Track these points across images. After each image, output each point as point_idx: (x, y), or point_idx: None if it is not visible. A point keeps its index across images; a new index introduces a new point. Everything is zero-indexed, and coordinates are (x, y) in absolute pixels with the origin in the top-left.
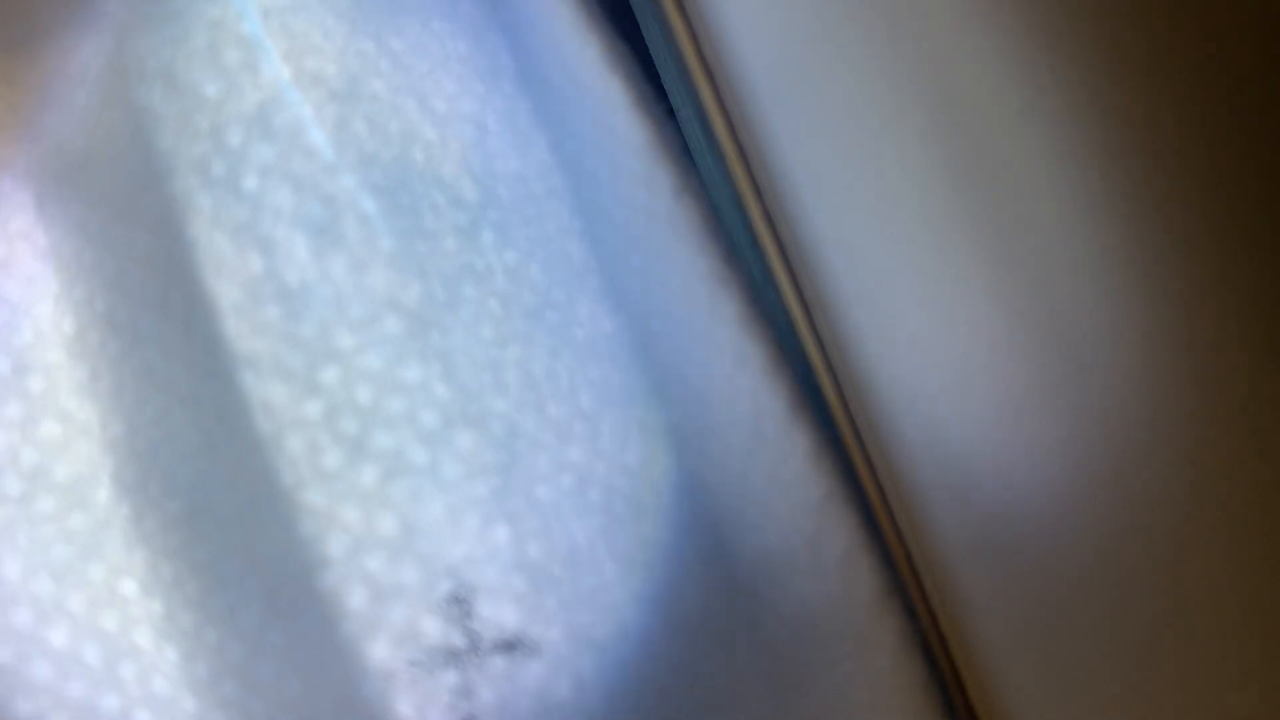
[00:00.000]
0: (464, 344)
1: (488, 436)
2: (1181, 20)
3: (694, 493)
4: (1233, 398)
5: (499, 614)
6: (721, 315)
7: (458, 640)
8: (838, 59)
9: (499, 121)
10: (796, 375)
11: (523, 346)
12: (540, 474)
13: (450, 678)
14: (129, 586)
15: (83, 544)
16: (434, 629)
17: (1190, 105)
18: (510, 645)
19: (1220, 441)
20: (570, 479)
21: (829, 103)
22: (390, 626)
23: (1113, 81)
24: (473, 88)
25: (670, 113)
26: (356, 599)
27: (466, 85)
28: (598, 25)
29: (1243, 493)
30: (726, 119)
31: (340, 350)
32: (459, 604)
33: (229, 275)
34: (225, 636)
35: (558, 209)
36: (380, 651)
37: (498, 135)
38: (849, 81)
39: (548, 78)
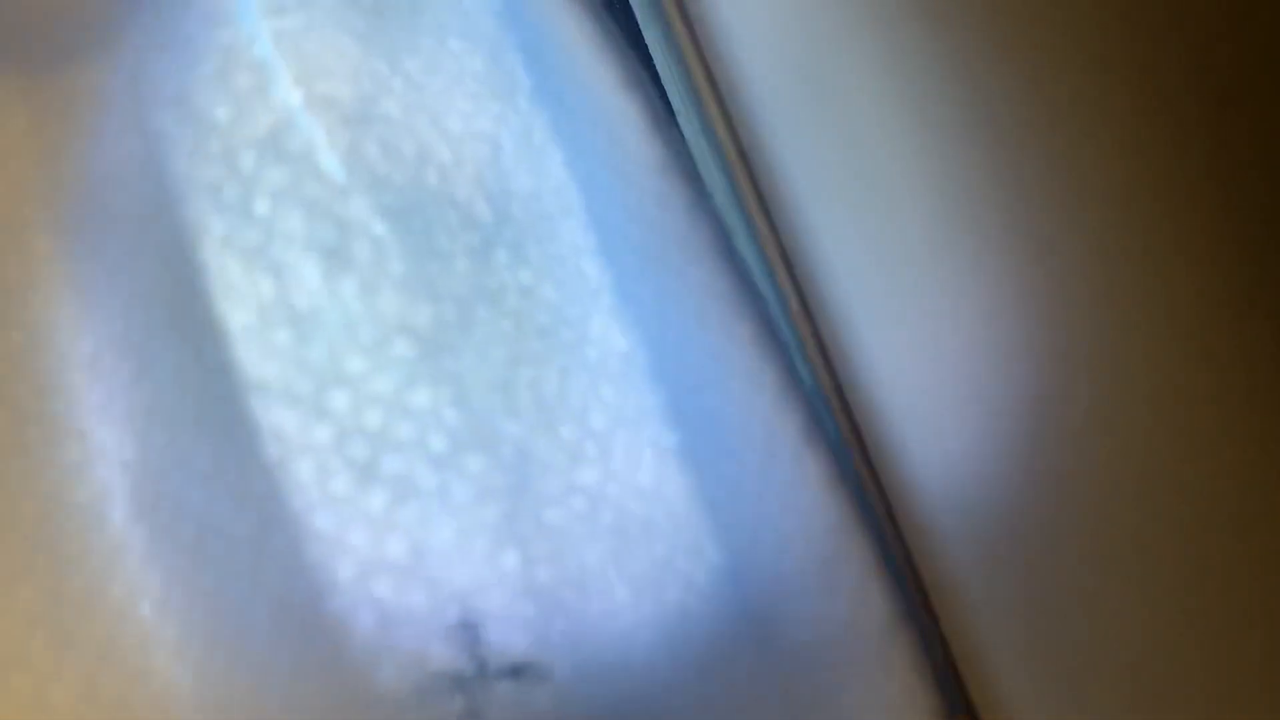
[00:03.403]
0: (475, 366)
1: (497, 460)
2: (1176, 30)
3: (707, 514)
4: (1234, 402)
5: (507, 639)
6: (735, 336)
7: (465, 666)
8: (843, 73)
9: (514, 139)
10: (808, 397)
11: (535, 367)
12: (551, 497)
13: (458, 703)
14: (145, 608)
15: (101, 566)
16: (442, 654)
17: (1193, 118)
18: (518, 671)
19: (1228, 447)
20: (582, 501)
21: (832, 118)
22: (397, 652)
23: (1113, 89)
24: (488, 106)
25: (680, 135)
26: (364, 624)
27: (481, 104)
28: (613, 44)
29: (1250, 495)
30: (734, 137)
31: (350, 375)
32: (467, 629)
33: (239, 299)
34: (234, 662)
35: (572, 226)
36: (387, 677)
37: (512, 153)
38: (853, 97)
39: (563, 94)
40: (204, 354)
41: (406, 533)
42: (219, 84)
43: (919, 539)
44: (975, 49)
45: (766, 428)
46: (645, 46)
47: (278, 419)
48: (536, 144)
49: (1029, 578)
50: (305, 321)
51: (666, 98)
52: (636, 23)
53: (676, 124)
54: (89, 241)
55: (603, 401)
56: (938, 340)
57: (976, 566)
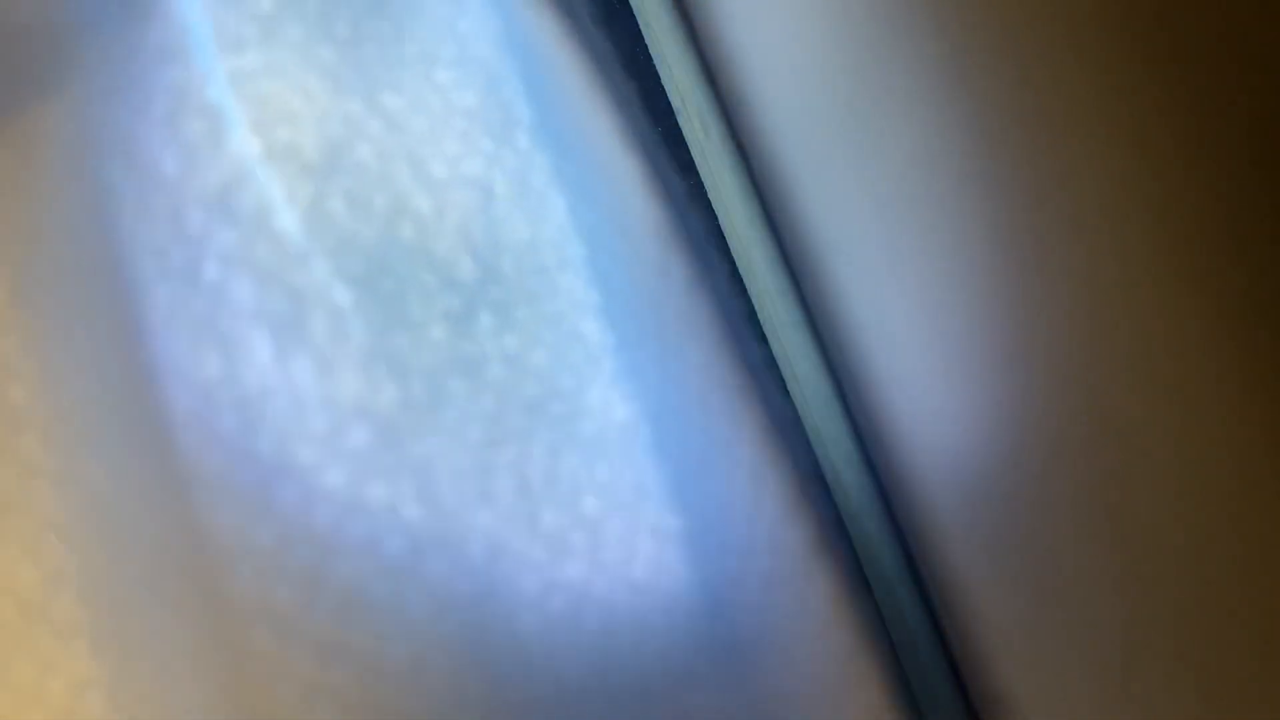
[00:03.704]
0: (445, 451)
1: (463, 563)
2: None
3: (708, 613)
4: (1229, 388)
5: None
6: (740, 431)
7: None
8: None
9: (509, 183)
10: (822, 508)
11: (518, 446)
12: (525, 600)
13: None
14: (95, 704)
15: (45, 657)
16: None
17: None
18: None
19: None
20: (561, 601)
21: (842, 110)
22: None
23: (1112, 90)
24: (479, 145)
25: (697, 188)
26: None
27: (472, 143)
28: (608, 83)
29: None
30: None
31: (298, 468)
32: None
33: (184, 379)
34: None
35: (571, 282)
36: None
37: (506, 200)
38: (862, 92)
39: (566, 135)
40: (147, 439)
41: (355, 658)
42: (167, 131)
43: (920, 532)
44: (978, 47)
45: (772, 538)
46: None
47: (217, 518)
48: (536, 188)
49: (1023, 556)
50: (252, 406)
51: (671, 112)
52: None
53: (678, 167)
54: (41, 295)
55: (597, 483)
56: (937, 321)
57: (974, 551)
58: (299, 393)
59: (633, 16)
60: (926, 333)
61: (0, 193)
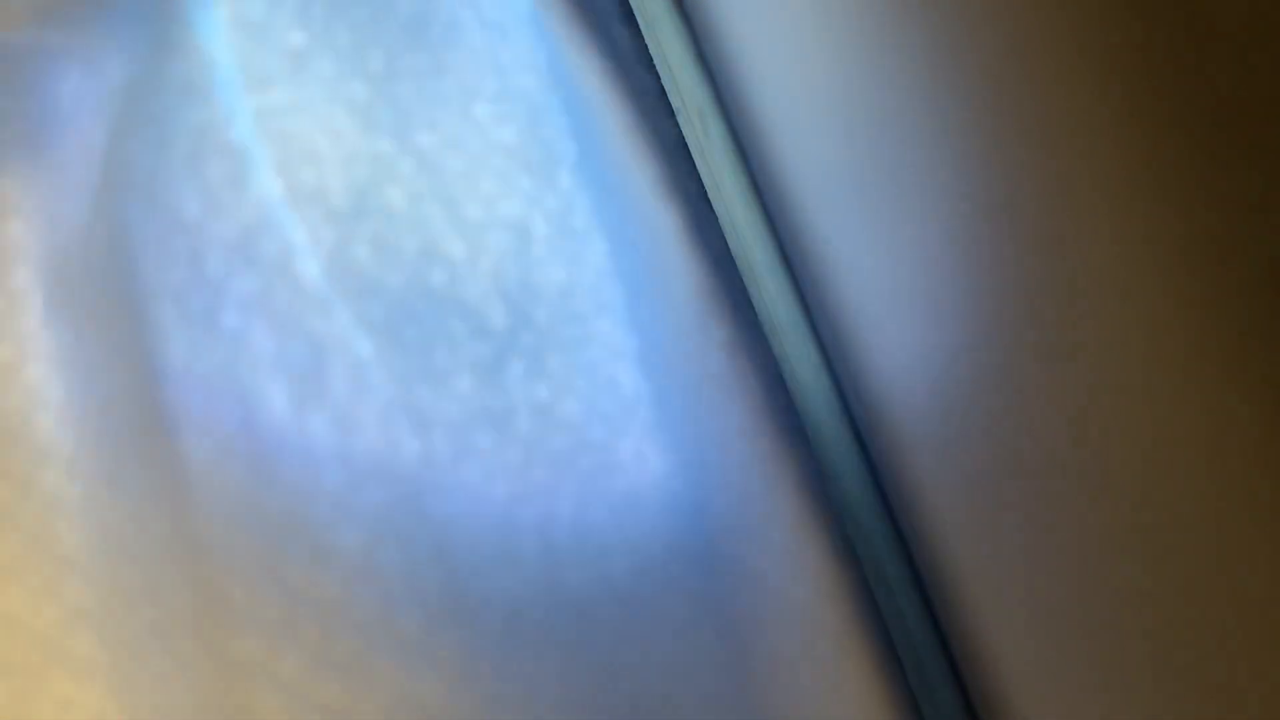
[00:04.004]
0: (467, 511)
1: (479, 636)
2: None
3: (740, 689)
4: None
5: None
6: (776, 509)
7: None
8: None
9: (548, 223)
10: (859, 583)
11: (544, 503)
12: (548, 673)
13: None
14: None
15: (64, 697)
16: None
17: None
18: None
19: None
20: (586, 679)
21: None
22: None
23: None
24: (518, 185)
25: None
26: None
27: (510, 182)
28: (652, 125)
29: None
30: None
31: (310, 530)
32: None
33: (197, 428)
34: None
35: (608, 329)
36: None
37: (544, 241)
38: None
39: (608, 174)
40: (162, 487)
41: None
42: (190, 172)
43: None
44: (974, 42)
45: (810, 611)
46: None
47: (227, 583)
48: (577, 228)
49: (981, 477)
50: (266, 463)
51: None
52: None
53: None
54: (67, 327)
55: (628, 544)
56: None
57: (937, 468)
58: (315, 445)
59: None
60: (931, 337)
61: (31, 216)
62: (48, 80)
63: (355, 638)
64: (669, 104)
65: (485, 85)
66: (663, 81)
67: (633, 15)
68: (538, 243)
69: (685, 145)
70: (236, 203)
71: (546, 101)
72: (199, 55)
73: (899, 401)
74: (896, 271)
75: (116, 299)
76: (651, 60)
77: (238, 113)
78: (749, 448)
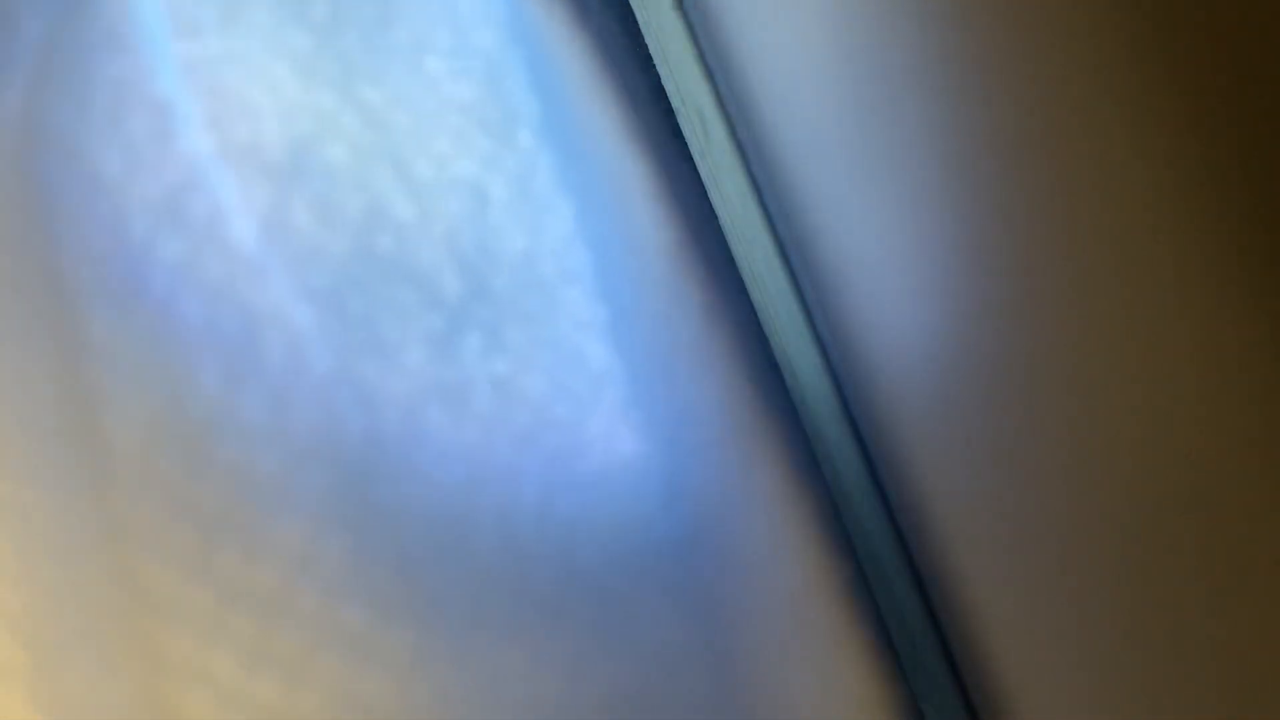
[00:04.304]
0: (418, 496)
1: (434, 633)
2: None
3: (726, 684)
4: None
5: None
6: (760, 470)
7: None
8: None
9: (508, 186)
10: (847, 557)
11: (505, 486)
12: (511, 671)
13: None
14: None
15: None
16: None
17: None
18: None
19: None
20: (555, 678)
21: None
22: None
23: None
24: (474, 144)
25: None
26: None
27: (466, 142)
28: (622, 79)
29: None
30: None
31: (245, 517)
32: None
33: (124, 409)
34: None
35: (574, 298)
36: None
37: (503, 205)
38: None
39: (574, 135)
40: (84, 477)
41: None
42: (111, 128)
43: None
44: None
45: (798, 597)
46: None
47: (157, 577)
48: (539, 191)
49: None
50: (198, 442)
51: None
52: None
53: (697, 178)
54: None
55: (593, 530)
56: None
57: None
58: (250, 425)
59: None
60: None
61: None
62: None
63: (295, 633)
64: (638, 53)
65: (438, 38)
66: (663, 82)
67: None
68: (496, 206)
69: (658, 95)
70: (161, 160)
71: (506, 57)
72: (121, 3)
73: (897, 386)
74: (896, 256)
75: (33, 269)
76: (621, 10)
77: (163, 64)
78: (728, 420)
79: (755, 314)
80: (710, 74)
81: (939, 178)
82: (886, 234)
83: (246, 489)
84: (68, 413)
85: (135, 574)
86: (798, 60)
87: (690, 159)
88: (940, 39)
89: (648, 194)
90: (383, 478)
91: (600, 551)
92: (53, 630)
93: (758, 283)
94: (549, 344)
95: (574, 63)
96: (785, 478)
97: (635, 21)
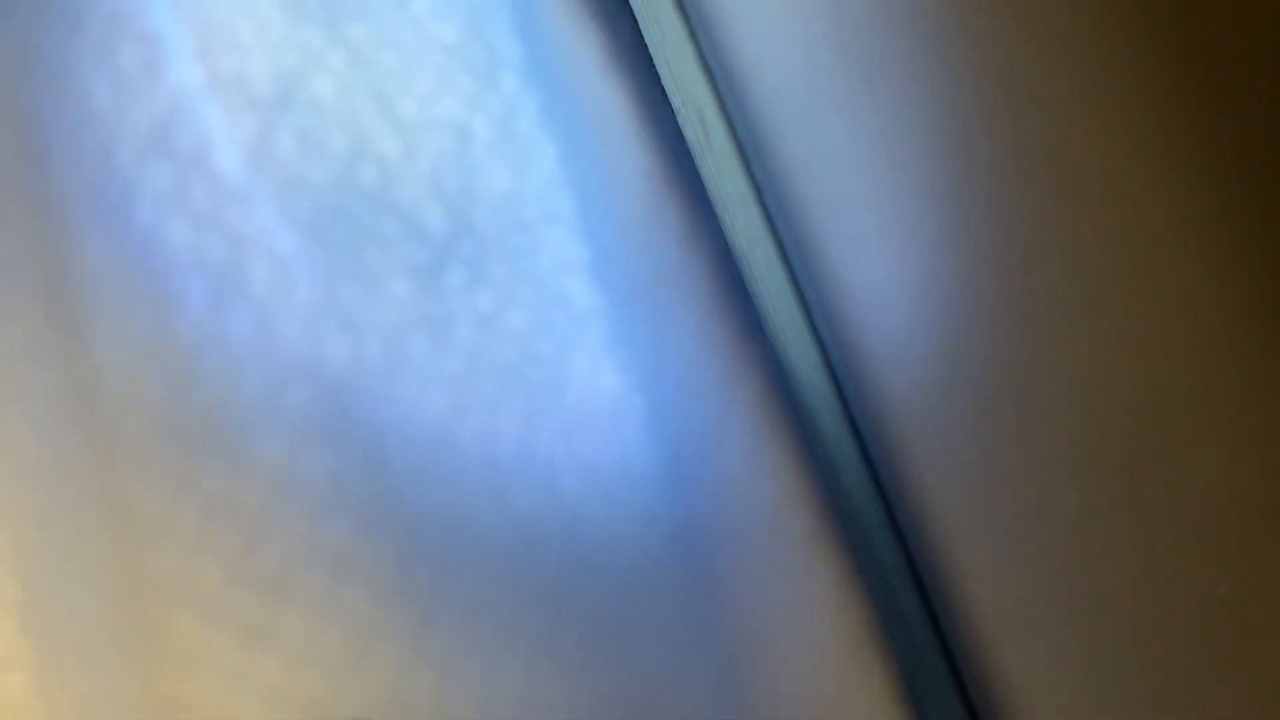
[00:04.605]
0: (399, 420)
1: (416, 551)
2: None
3: (705, 613)
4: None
5: None
6: (738, 399)
7: None
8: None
9: (491, 127)
10: (826, 485)
11: (488, 417)
12: (492, 597)
13: None
14: (17, 681)
15: None
16: None
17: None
18: None
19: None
20: (534, 606)
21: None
22: None
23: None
24: (457, 85)
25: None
26: None
27: (449, 82)
28: (605, 20)
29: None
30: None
31: (229, 435)
32: None
33: (111, 332)
34: None
35: (558, 238)
36: None
37: (486, 145)
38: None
39: (556, 76)
40: (71, 400)
41: (286, 647)
42: (101, 59)
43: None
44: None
45: (774, 521)
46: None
47: (142, 495)
48: (522, 133)
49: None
50: (183, 365)
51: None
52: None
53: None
54: None
55: (578, 461)
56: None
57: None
58: (234, 350)
59: None
60: (929, 344)
61: None
62: None
63: (277, 549)
64: (640, 53)
65: None
66: (662, 81)
67: None
68: (479, 146)
69: (636, 32)
70: (151, 91)
71: (490, 3)
72: None
73: (897, 385)
74: (896, 254)
75: (23, 199)
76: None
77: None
78: (706, 347)
79: (730, 245)
80: (710, 74)
81: (938, 177)
82: (886, 234)
83: (231, 408)
84: (56, 337)
85: (122, 492)
86: (796, 58)
87: (667, 104)
88: (940, 36)
89: (627, 126)
90: (365, 400)
91: (581, 480)
92: (40, 553)
93: (758, 282)
94: (532, 282)
95: (557, 8)
96: (763, 400)
97: (637, 23)
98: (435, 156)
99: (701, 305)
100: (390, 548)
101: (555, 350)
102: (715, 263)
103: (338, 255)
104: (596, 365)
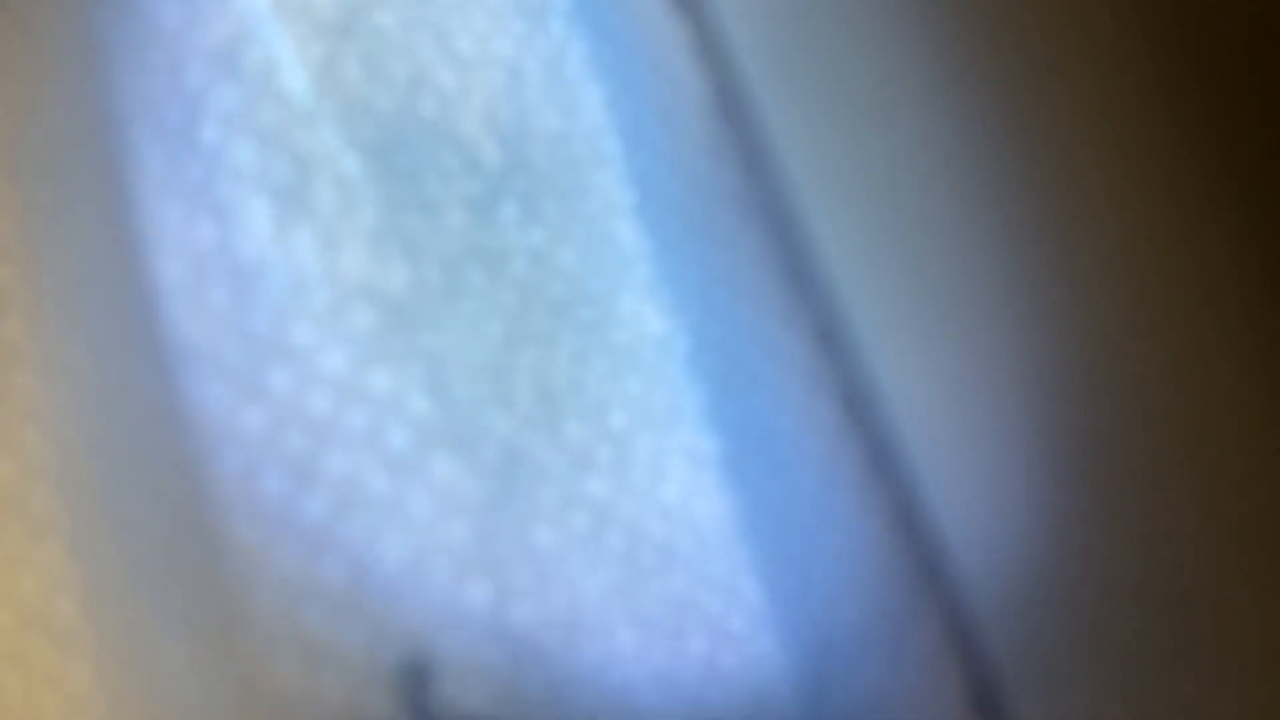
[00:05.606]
0: (461, 344)
1: (475, 463)
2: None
3: (747, 544)
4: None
5: (465, 693)
6: (793, 327)
7: None
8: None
9: (541, 69)
10: (875, 426)
11: (542, 349)
12: (543, 512)
13: None
14: (63, 603)
15: (17, 553)
16: (377, 706)
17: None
18: None
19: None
20: (584, 519)
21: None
22: (323, 700)
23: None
24: (510, 25)
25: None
26: (285, 663)
27: (502, 22)
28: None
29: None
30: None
31: (295, 348)
32: (412, 677)
33: (174, 249)
34: (151, 691)
35: (606, 181)
36: None
37: (537, 86)
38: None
39: (605, 18)
40: (128, 314)
41: (347, 551)
42: None
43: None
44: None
45: (826, 446)
46: None
47: (203, 398)
48: (570, 77)
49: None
50: (248, 279)
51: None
52: None
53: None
54: (36, 170)
55: (626, 396)
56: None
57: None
58: (301, 265)
59: None
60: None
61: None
62: None
63: (341, 461)
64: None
65: None
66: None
67: None
68: (531, 87)
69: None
70: (219, 12)
71: None
72: None
73: None
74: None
75: (88, 120)
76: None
77: None
78: (754, 287)
79: (780, 191)
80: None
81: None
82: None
83: (295, 323)
84: (118, 257)
85: (183, 403)
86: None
87: (725, 37)
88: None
89: (684, 53)
90: (426, 324)
91: (628, 408)
92: (92, 473)
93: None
94: (582, 222)
95: None
96: (813, 344)
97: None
98: (490, 92)
99: (759, 234)
100: (448, 465)
101: (605, 290)
102: (765, 205)
103: (400, 182)
104: (642, 310)
